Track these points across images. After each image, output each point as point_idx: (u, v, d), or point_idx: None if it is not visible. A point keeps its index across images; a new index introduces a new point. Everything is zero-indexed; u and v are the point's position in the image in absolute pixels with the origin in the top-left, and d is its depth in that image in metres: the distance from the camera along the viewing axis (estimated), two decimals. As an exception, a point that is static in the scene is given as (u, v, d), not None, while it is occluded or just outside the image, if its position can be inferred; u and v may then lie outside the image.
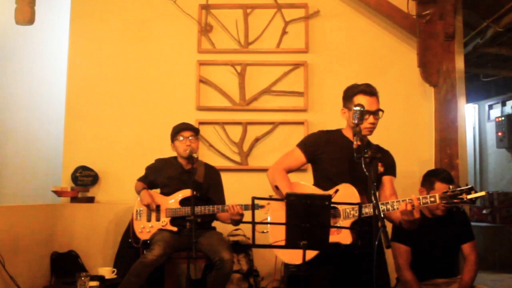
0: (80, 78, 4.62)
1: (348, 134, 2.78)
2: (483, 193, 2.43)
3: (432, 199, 2.43)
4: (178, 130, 3.60)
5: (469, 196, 2.38)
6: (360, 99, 2.67)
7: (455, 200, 2.40)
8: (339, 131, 2.84)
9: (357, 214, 2.50)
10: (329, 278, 2.60)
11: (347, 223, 2.55)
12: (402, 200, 2.42)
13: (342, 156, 2.70)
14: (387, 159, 2.79)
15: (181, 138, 3.56)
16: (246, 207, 3.32)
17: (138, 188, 3.62)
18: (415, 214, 2.38)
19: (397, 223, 2.61)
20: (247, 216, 2.31)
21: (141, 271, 3.24)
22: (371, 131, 2.69)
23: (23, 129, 4.91)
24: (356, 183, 2.59)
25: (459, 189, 2.42)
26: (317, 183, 2.79)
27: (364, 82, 2.77)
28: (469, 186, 2.41)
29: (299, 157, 2.80)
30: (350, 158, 2.59)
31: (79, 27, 4.67)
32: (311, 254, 2.47)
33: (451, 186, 2.82)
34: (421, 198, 2.43)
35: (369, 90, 2.70)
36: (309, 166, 2.92)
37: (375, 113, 2.67)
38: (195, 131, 3.63)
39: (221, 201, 3.59)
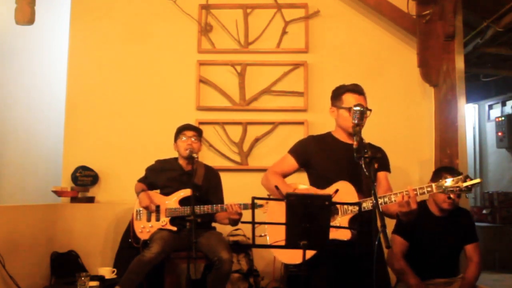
0: (80, 78, 4.62)
1: (338, 135, 2.81)
2: (478, 180, 2.46)
3: (429, 188, 2.45)
4: (181, 129, 3.62)
5: (464, 184, 2.40)
6: (349, 97, 2.72)
7: (452, 189, 2.42)
8: (329, 134, 2.86)
9: (355, 210, 2.52)
10: (328, 278, 2.60)
11: (346, 219, 2.56)
12: (399, 192, 2.43)
13: (336, 157, 2.72)
14: (380, 156, 2.78)
15: (183, 137, 3.57)
16: (245, 206, 3.33)
17: (138, 189, 3.63)
18: (412, 205, 2.39)
19: (395, 216, 2.62)
20: (247, 216, 2.31)
21: (139, 269, 3.25)
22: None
23: (23, 129, 4.91)
24: (353, 182, 2.59)
25: (455, 178, 2.44)
26: (313, 186, 2.78)
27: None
28: (465, 175, 2.44)
29: (291, 162, 2.82)
30: (344, 159, 2.62)
31: (79, 27, 4.67)
32: (309, 253, 2.47)
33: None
34: (417, 188, 2.44)
35: (357, 89, 2.75)
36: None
37: None
38: (198, 132, 3.64)
39: (220, 203, 3.58)
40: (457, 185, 2.41)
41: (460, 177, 2.43)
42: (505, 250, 6.32)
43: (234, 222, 3.42)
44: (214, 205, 3.43)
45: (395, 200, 2.45)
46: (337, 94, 2.79)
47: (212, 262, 3.31)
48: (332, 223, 2.53)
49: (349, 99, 2.71)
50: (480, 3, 4.49)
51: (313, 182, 2.81)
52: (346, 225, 2.53)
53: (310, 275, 2.53)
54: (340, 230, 2.52)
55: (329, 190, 2.61)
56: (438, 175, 3.10)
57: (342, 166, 2.67)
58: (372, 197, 2.25)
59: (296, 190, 2.73)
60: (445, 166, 3.40)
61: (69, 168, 4.44)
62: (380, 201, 2.49)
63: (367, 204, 2.50)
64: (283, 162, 2.86)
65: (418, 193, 2.44)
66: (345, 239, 2.49)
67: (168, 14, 4.61)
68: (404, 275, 3.01)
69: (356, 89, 2.75)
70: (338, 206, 2.57)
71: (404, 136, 4.42)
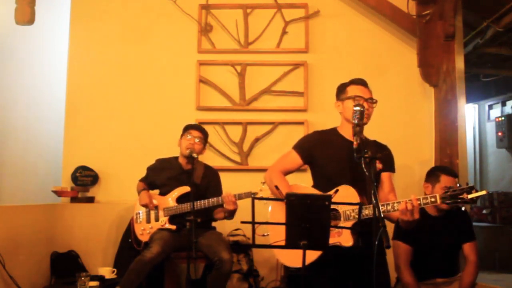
0: (80, 78, 4.62)
1: (343, 131, 2.77)
2: (483, 192, 2.41)
3: (433, 199, 2.41)
4: (188, 127, 3.64)
5: (470, 196, 2.36)
6: (353, 88, 2.73)
7: (456, 200, 2.38)
8: (334, 130, 2.83)
9: (357, 216, 2.49)
10: (329, 278, 2.59)
11: (348, 225, 2.54)
12: (402, 201, 2.41)
13: (339, 155, 2.69)
14: (385, 155, 2.76)
15: (188, 136, 3.58)
16: (240, 196, 3.34)
17: (139, 188, 3.65)
18: (415, 215, 2.36)
19: (395, 221, 2.61)
20: (247, 215, 2.30)
21: (140, 269, 3.25)
22: (367, 118, 2.67)
23: (23, 129, 4.90)
24: (356, 182, 2.57)
25: (460, 188, 2.40)
26: (316, 185, 2.77)
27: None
28: (470, 185, 2.39)
29: (296, 159, 2.79)
30: (348, 157, 2.59)
31: (79, 27, 4.67)
32: (312, 257, 2.46)
33: (456, 180, 2.83)
34: (421, 198, 2.41)
35: (361, 82, 2.77)
36: (308, 167, 2.91)
37: (369, 100, 2.69)
38: (204, 134, 3.64)
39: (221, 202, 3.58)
40: (462, 196, 2.36)
41: (465, 187, 2.37)
42: (505, 250, 6.32)
43: (230, 214, 3.42)
44: (211, 199, 3.42)
45: (398, 209, 2.42)
46: (342, 87, 2.79)
47: (212, 262, 3.31)
48: (333, 230, 2.51)
49: (353, 89, 2.72)
50: (480, 3, 4.49)
51: (316, 181, 2.80)
52: (348, 231, 2.50)
53: (311, 276, 2.52)
54: (342, 236, 2.51)
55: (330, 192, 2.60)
56: (434, 175, 3.11)
57: (345, 166, 2.65)
58: (373, 205, 2.23)
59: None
60: (440, 166, 3.37)
61: (69, 168, 4.44)
62: (383, 208, 2.46)
63: (369, 211, 2.46)
64: (286, 158, 2.82)
65: (422, 203, 2.41)
66: (348, 245, 2.48)
67: (168, 14, 4.61)
68: None
69: (360, 81, 2.77)
70: (340, 211, 2.55)
71: (404, 136, 4.42)
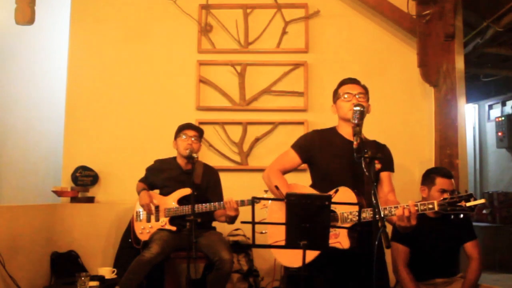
0: (80, 78, 4.62)
1: (342, 130, 2.77)
2: (482, 201, 2.38)
3: (431, 206, 2.39)
4: (182, 127, 3.63)
5: (468, 204, 2.33)
6: (343, 88, 2.76)
7: (454, 208, 2.35)
8: (333, 129, 2.82)
9: (355, 219, 2.48)
10: (329, 279, 2.59)
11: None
12: (400, 206, 2.39)
13: (339, 155, 2.68)
14: (384, 155, 2.73)
15: (184, 136, 3.57)
16: (242, 203, 3.33)
17: (139, 188, 3.64)
18: (412, 221, 2.34)
19: (393, 223, 2.61)
20: (247, 215, 2.30)
21: (139, 269, 3.25)
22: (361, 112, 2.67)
23: (23, 129, 4.91)
24: (355, 181, 2.57)
25: (458, 195, 2.37)
26: (314, 184, 2.77)
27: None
28: (469, 193, 2.37)
29: (294, 158, 2.78)
30: (347, 156, 2.59)
31: (79, 27, 4.67)
32: (310, 256, 2.46)
33: (452, 181, 2.81)
34: (419, 204, 2.40)
35: (349, 81, 2.78)
36: (307, 166, 2.91)
37: (359, 94, 2.69)
38: (199, 133, 3.64)
39: (220, 201, 3.58)
40: (460, 204, 2.33)
41: (463, 195, 2.35)
42: (505, 250, 6.32)
43: (231, 220, 3.41)
44: (213, 203, 3.42)
45: (395, 214, 2.40)
46: (335, 91, 2.82)
47: (212, 262, 3.31)
48: (331, 232, 2.49)
49: (343, 89, 2.75)
50: (480, 3, 4.49)
51: (314, 180, 2.80)
52: (345, 233, 2.50)
53: (310, 276, 2.52)
54: (339, 239, 2.50)
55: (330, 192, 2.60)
56: (429, 178, 3.09)
57: (344, 165, 2.64)
58: (372, 208, 2.22)
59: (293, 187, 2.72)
60: (435, 168, 3.31)
61: (69, 168, 4.44)
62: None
63: (367, 215, 2.45)
64: (285, 157, 2.81)
65: (419, 210, 2.39)
66: (345, 247, 2.47)
67: (168, 14, 4.61)
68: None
69: (348, 80, 2.78)
70: (338, 213, 2.55)
71: (404, 136, 4.42)
